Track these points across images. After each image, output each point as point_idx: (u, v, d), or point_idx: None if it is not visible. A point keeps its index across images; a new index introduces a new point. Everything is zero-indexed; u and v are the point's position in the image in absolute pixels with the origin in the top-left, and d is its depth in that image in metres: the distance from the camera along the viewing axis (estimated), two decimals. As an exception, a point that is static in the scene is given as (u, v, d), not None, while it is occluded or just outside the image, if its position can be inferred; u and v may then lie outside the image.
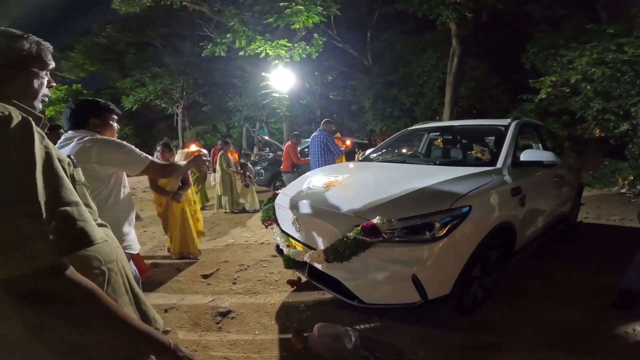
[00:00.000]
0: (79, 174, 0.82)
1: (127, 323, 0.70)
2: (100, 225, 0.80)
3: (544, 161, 2.66)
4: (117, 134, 1.77)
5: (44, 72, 0.82)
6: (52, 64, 0.85)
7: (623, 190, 6.97)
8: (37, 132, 0.63)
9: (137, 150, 1.62)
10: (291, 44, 8.93)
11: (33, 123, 0.63)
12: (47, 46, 0.83)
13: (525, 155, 2.64)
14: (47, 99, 0.86)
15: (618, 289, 2.35)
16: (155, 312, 0.92)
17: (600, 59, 7.25)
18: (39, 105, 0.82)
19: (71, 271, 0.63)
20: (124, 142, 1.60)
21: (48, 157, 0.63)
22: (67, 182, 0.66)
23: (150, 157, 1.65)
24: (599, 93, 7.52)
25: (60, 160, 0.68)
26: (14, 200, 0.56)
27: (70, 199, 0.64)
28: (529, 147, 3.69)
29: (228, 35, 9.06)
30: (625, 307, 2.30)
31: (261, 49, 8.77)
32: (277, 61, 9.12)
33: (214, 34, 12.35)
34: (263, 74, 9.75)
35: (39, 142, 0.62)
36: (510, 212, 2.35)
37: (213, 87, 17.99)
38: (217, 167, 6.31)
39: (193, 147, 1.75)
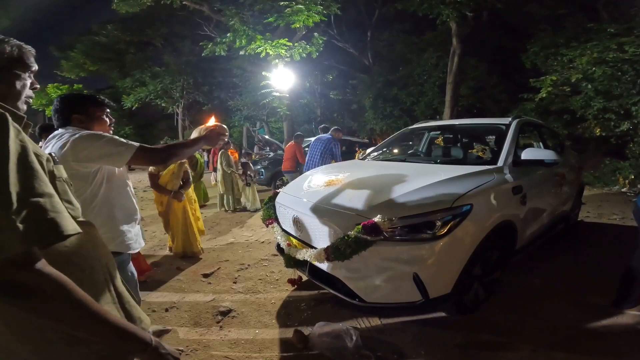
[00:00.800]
0: (60, 171, 0.81)
1: (102, 317, 0.68)
2: (82, 222, 0.79)
3: (545, 160, 2.67)
4: (112, 129, 1.63)
5: (27, 74, 0.84)
6: (35, 67, 0.87)
7: (624, 190, 6.97)
8: (13, 127, 0.63)
9: (120, 139, 1.41)
10: (291, 43, 8.91)
11: (10, 118, 0.63)
12: (29, 49, 0.85)
13: (526, 154, 2.64)
14: (31, 100, 0.88)
15: (618, 288, 2.34)
16: (142, 312, 0.90)
17: (600, 58, 7.26)
18: (23, 107, 0.84)
19: (42, 263, 0.62)
20: (103, 134, 1.43)
21: (23, 150, 0.63)
22: (42, 175, 0.66)
23: (138, 143, 1.45)
24: (600, 92, 7.53)
25: (38, 155, 0.68)
26: None
27: (44, 191, 0.64)
28: (530, 146, 3.69)
29: (228, 34, 9.03)
30: (626, 306, 2.29)
31: (261, 48, 8.74)
32: (277, 60, 9.09)
33: (214, 33, 12.32)
34: (263, 73, 9.73)
35: (14, 136, 0.63)
36: (511, 211, 2.35)
37: (213, 87, 17.97)
38: (218, 166, 6.34)
39: (212, 121, 1.57)
